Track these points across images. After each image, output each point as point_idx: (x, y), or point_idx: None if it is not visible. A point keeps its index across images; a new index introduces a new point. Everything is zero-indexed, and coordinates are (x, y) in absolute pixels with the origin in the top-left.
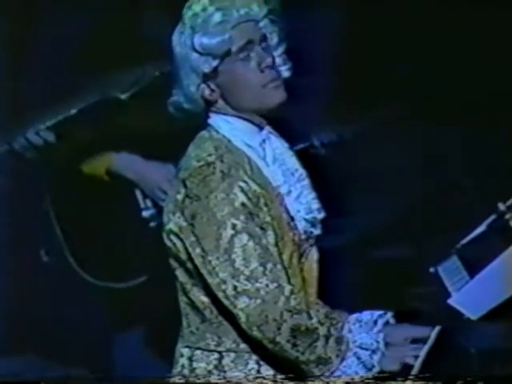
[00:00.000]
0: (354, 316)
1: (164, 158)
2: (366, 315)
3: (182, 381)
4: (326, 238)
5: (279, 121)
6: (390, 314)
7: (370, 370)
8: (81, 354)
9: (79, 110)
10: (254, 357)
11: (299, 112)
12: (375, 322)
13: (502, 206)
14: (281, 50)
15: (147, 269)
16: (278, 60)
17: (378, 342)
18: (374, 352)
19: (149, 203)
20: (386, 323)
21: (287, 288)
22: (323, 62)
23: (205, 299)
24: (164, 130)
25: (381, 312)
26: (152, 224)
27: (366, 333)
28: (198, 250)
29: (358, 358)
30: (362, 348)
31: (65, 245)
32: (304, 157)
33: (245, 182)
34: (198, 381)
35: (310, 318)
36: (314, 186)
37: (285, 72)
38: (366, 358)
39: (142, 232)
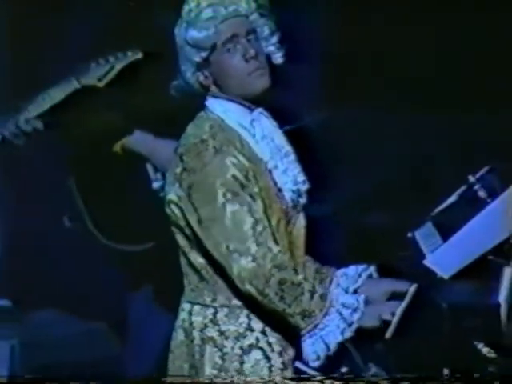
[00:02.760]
0: (342, 270)
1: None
2: (352, 269)
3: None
4: (313, 207)
5: (273, 104)
6: (373, 268)
7: (349, 325)
8: (99, 309)
9: (63, 100)
10: (245, 311)
11: (293, 97)
12: (360, 275)
13: (471, 178)
14: (274, 39)
15: (157, 234)
16: (272, 48)
17: (358, 301)
18: (354, 311)
19: (159, 176)
20: (370, 276)
21: (275, 248)
22: (316, 50)
23: (201, 261)
24: (172, 111)
25: (365, 266)
26: (162, 194)
27: (349, 293)
28: (195, 217)
29: (340, 314)
30: (344, 306)
31: (85, 212)
32: (296, 136)
33: (235, 156)
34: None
35: (296, 273)
36: (303, 163)
37: (278, 59)
38: (347, 316)
39: (153, 201)
